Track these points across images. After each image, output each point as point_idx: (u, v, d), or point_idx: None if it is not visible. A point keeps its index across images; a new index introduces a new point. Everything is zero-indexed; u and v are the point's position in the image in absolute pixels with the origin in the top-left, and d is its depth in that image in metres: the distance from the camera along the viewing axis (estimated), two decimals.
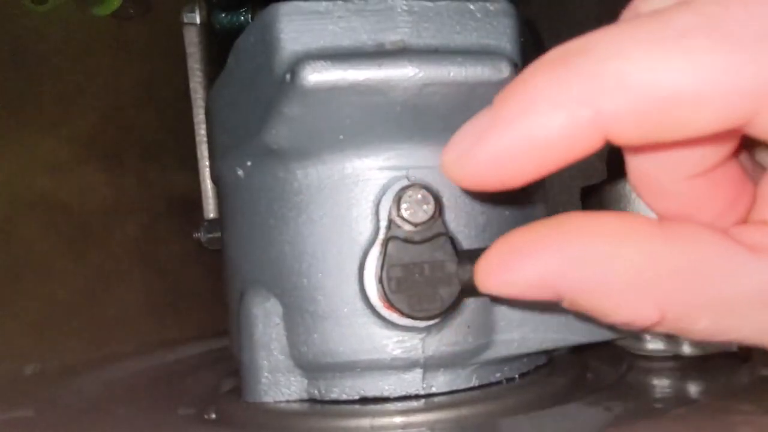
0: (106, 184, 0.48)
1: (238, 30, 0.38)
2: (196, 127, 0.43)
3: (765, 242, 0.14)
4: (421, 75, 0.21)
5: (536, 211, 0.28)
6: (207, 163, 0.41)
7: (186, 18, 0.46)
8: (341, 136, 0.23)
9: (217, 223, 0.40)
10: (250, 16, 0.45)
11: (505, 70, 0.22)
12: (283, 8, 0.22)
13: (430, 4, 0.23)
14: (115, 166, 0.49)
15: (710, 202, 0.15)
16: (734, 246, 0.14)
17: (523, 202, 0.27)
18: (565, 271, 0.14)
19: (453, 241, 0.22)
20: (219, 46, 0.45)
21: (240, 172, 0.26)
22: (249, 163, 0.26)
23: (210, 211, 0.44)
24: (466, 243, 0.24)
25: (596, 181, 0.41)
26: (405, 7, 0.23)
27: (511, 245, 0.15)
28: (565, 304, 0.15)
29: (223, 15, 0.46)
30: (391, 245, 0.22)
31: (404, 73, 0.21)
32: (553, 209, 0.31)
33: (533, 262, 0.14)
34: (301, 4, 0.22)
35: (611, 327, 0.25)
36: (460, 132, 0.15)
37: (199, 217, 0.44)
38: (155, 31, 0.56)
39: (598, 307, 0.14)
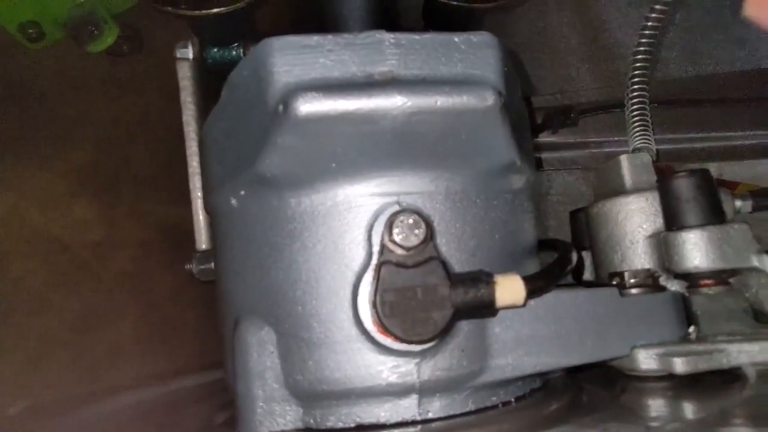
0: (99, 218, 0.49)
1: (229, 64, 0.39)
2: (188, 159, 0.44)
3: None
4: (409, 104, 0.22)
5: (527, 235, 0.28)
6: (200, 195, 0.42)
7: (179, 53, 0.47)
8: (333, 164, 0.24)
9: (210, 255, 0.40)
10: (242, 51, 0.47)
11: (489, 98, 0.22)
12: (275, 42, 0.23)
13: (416, 37, 0.24)
14: (108, 200, 0.50)
15: None
16: None
17: (513, 227, 0.27)
18: None
19: (445, 264, 0.23)
20: (211, 80, 0.46)
21: (234, 202, 0.27)
22: (243, 193, 0.26)
23: (202, 242, 0.44)
24: (457, 267, 0.24)
25: (582, 205, 0.42)
26: (393, 40, 0.24)
27: None
28: None
29: (216, 50, 0.47)
30: (384, 270, 0.22)
31: (393, 102, 0.22)
32: (543, 233, 0.32)
33: None
34: (293, 38, 0.23)
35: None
36: None
37: (191, 249, 0.44)
38: (148, 66, 0.57)
39: None
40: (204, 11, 0.38)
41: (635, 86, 0.48)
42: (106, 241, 0.48)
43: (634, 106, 0.48)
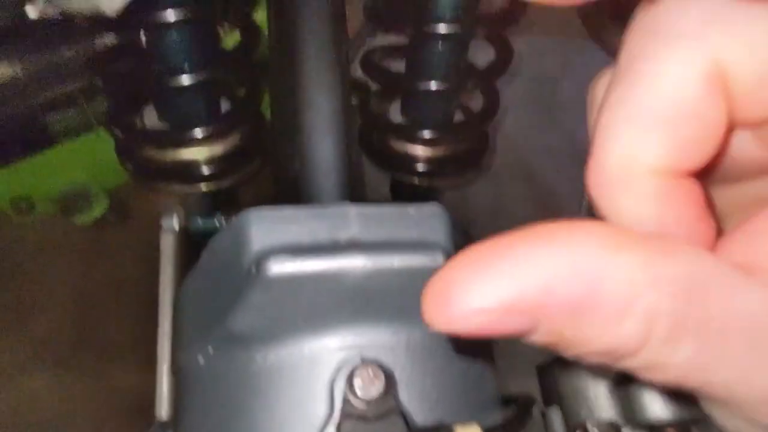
0: (52, 392, 0.47)
1: (211, 233, 0.43)
2: (160, 321, 0.45)
3: (759, 260, 0.13)
4: (369, 264, 0.25)
5: (489, 386, 0.29)
6: (167, 358, 0.42)
7: (164, 224, 0.50)
8: (300, 320, 0.25)
9: (169, 426, 0.38)
10: (223, 220, 0.51)
11: (439, 259, 0.26)
12: (254, 213, 0.27)
13: (376, 208, 0.28)
14: (65, 370, 0.48)
15: (684, 212, 0.14)
16: (728, 266, 0.12)
17: (476, 378, 0.28)
18: (552, 286, 0.11)
19: (405, 417, 0.23)
20: (191, 248, 0.49)
21: (201, 360, 0.28)
22: (211, 351, 0.27)
23: (163, 412, 0.42)
24: (419, 418, 0.24)
25: None
26: (356, 211, 0.27)
27: (478, 257, 0.12)
28: (538, 336, 0.12)
29: (199, 220, 0.51)
30: (345, 424, 0.23)
31: (355, 263, 0.25)
32: None
33: (511, 275, 0.11)
34: (270, 210, 0.27)
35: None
36: None
37: (150, 419, 0.42)
38: (130, 235, 0.60)
39: (584, 332, 0.12)
40: (192, 188, 0.43)
41: None
42: (61, 415, 0.46)
43: None
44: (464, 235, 0.29)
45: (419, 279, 0.26)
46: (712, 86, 0.13)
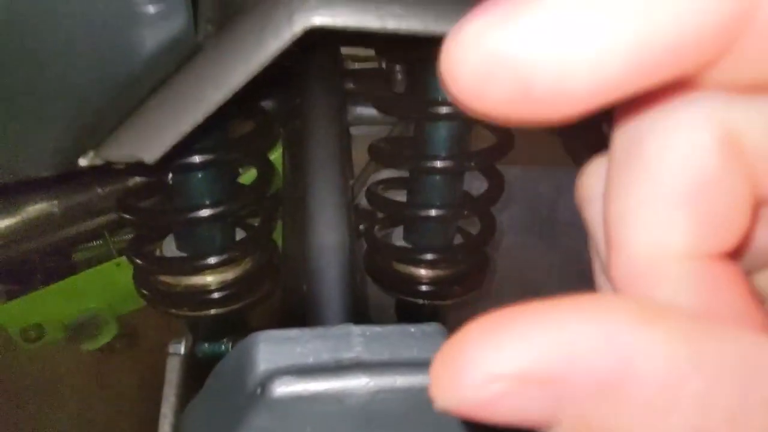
0: None
1: (218, 357, 0.43)
2: None
3: None
4: (372, 384, 0.25)
5: None
6: None
7: (171, 349, 0.51)
8: None
9: None
10: (230, 345, 0.51)
11: None
12: (260, 336, 0.28)
13: (379, 329, 0.29)
14: None
15: None
16: None
17: None
18: (576, 355, 0.09)
19: None
20: (197, 375, 0.49)
21: None
22: None
23: None
24: None
25: None
26: (359, 332, 0.29)
27: (495, 322, 0.10)
28: (563, 429, 0.10)
29: (206, 345, 0.52)
30: None
31: (358, 383, 0.25)
32: None
33: (532, 339, 0.10)
34: (276, 332, 0.28)
35: None
36: None
37: None
38: (135, 362, 0.60)
39: (617, 425, 0.09)
40: (203, 312, 0.44)
41: None
42: None
43: None
44: None
45: (421, 398, 0.27)
46: (729, 153, 0.12)
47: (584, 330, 0.09)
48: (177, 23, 0.21)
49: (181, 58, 0.23)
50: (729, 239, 0.12)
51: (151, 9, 0.20)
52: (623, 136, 0.13)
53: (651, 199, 0.12)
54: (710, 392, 0.09)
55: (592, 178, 0.15)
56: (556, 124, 0.10)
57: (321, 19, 0.21)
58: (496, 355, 0.10)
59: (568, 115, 0.10)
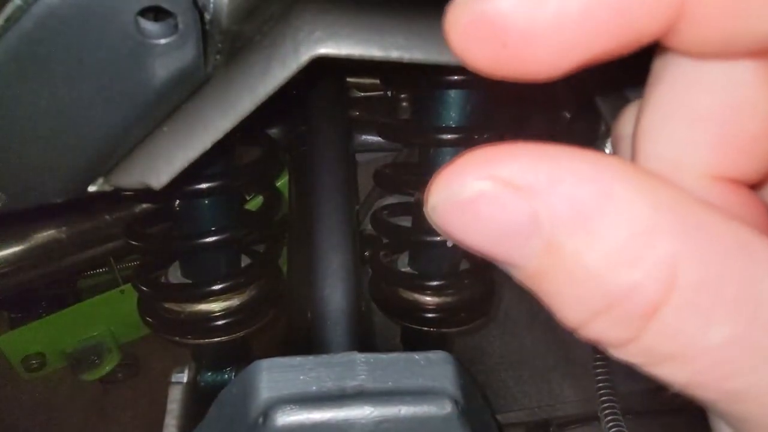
0: None
1: (221, 386, 0.43)
2: None
3: None
4: (375, 413, 0.25)
5: None
6: None
7: (174, 377, 0.50)
8: None
9: None
10: (233, 373, 0.51)
11: (447, 406, 0.26)
12: (264, 363, 0.27)
13: (383, 356, 0.29)
14: None
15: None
16: None
17: None
18: (558, 179, 0.10)
19: None
20: (198, 403, 0.48)
21: None
22: None
23: None
24: None
25: None
26: (363, 359, 0.28)
27: (490, 148, 0.11)
28: (537, 260, 0.10)
29: (209, 374, 0.51)
30: None
31: (361, 412, 0.25)
32: None
33: (520, 157, 0.10)
34: (279, 360, 0.28)
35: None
36: None
37: None
38: (136, 393, 0.59)
39: (588, 254, 0.09)
40: (207, 339, 0.44)
41: (603, 400, 0.51)
42: None
43: (607, 418, 0.50)
44: (473, 382, 0.29)
45: (428, 427, 0.26)
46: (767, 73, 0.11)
47: (574, 163, 0.10)
48: (187, 55, 0.21)
49: (191, 88, 0.23)
50: (753, 167, 0.11)
51: (163, 41, 0.21)
52: (661, 60, 0.12)
53: (676, 114, 0.11)
54: (687, 251, 0.09)
55: (625, 118, 0.15)
56: (540, 81, 0.11)
57: (326, 49, 0.22)
58: (485, 163, 0.10)
59: (543, 72, 0.11)
